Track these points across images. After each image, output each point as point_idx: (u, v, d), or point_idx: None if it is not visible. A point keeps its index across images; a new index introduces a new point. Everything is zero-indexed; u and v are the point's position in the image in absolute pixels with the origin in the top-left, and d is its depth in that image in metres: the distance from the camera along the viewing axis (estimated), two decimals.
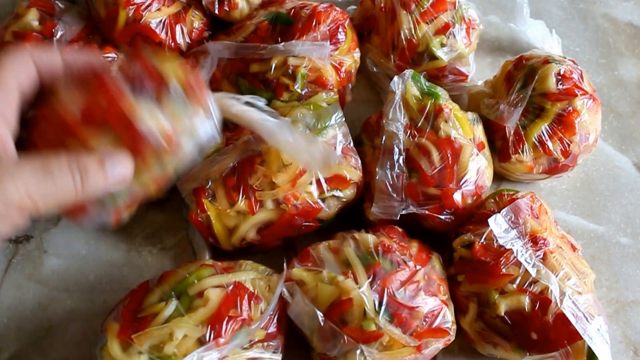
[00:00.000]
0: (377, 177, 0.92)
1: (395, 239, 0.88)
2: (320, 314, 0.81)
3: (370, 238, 0.86)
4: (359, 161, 0.94)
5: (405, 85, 0.95)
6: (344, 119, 0.94)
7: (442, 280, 0.87)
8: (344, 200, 0.93)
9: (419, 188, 0.91)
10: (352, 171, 0.92)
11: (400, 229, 0.91)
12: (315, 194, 0.90)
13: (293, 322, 0.84)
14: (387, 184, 0.91)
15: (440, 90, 0.97)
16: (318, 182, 0.90)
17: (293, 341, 0.88)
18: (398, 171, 0.92)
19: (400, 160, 0.92)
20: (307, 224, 0.92)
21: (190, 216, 0.92)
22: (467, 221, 0.93)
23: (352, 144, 0.94)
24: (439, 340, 0.83)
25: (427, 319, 0.82)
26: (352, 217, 0.97)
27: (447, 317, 0.84)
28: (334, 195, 0.92)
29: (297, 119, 0.93)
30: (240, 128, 0.96)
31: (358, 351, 0.80)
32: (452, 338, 0.85)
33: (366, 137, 1.00)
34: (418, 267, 0.85)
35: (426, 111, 0.93)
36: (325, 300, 0.81)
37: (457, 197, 0.91)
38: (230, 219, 0.91)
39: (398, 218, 0.92)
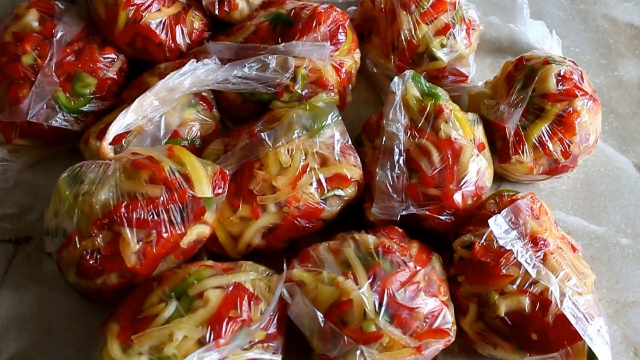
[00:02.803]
0: (377, 178, 0.92)
1: (395, 240, 0.88)
2: (320, 315, 0.81)
3: (371, 239, 0.86)
4: (358, 159, 0.93)
5: (406, 86, 0.95)
6: (340, 118, 0.94)
7: (443, 281, 0.87)
8: (346, 198, 0.93)
9: (419, 189, 0.91)
10: (352, 169, 0.92)
11: (400, 230, 0.91)
12: (316, 194, 0.90)
13: (293, 322, 0.84)
14: (388, 184, 0.91)
15: (440, 91, 0.96)
16: (319, 182, 0.90)
17: (293, 342, 0.88)
18: (398, 172, 0.91)
19: (401, 161, 0.92)
20: (311, 224, 0.92)
21: None
22: (467, 222, 0.93)
23: (349, 142, 0.94)
24: (439, 341, 0.83)
25: (427, 320, 0.82)
26: (353, 217, 0.97)
27: (447, 318, 0.84)
28: (335, 195, 0.92)
29: (293, 120, 0.93)
30: (238, 133, 0.96)
31: (358, 352, 0.80)
32: (452, 339, 0.85)
33: (366, 137, 1.00)
34: (418, 267, 0.85)
35: (426, 112, 0.93)
36: (326, 301, 0.81)
37: (457, 197, 0.91)
38: (234, 226, 0.91)
39: (398, 219, 0.92)
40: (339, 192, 0.92)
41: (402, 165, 0.92)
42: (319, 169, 0.91)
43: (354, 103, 1.11)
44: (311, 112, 0.94)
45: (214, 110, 1.03)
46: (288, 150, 0.90)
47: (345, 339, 0.80)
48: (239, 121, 1.04)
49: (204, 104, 1.01)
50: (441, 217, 0.92)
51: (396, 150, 0.92)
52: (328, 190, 0.91)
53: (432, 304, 0.83)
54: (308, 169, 0.90)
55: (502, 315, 0.84)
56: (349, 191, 0.92)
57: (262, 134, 0.92)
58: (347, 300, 0.80)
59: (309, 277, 0.84)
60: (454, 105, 0.96)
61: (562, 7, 1.29)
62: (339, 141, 0.93)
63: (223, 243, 0.92)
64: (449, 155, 0.91)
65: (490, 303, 0.85)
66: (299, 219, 0.90)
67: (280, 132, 0.92)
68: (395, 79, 0.96)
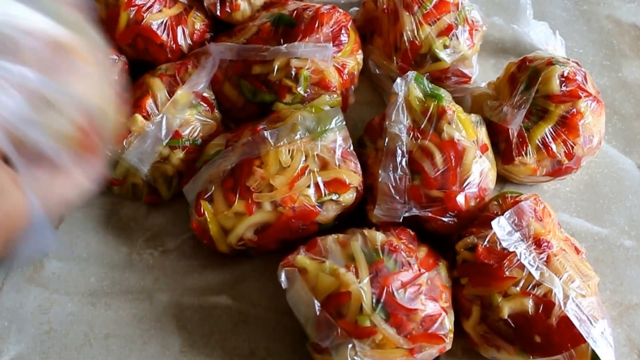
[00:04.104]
0: (379, 179, 0.91)
1: (404, 241, 0.88)
2: (317, 303, 0.81)
3: (379, 236, 0.86)
4: (359, 165, 0.93)
5: (408, 87, 0.95)
6: (344, 123, 0.94)
7: (446, 288, 0.87)
8: (343, 204, 0.93)
9: (422, 190, 0.91)
10: (352, 175, 0.92)
11: (412, 232, 0.91)
12: (313, 197, 0.90)
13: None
14: (390, 186, 0.91)
15: (443, 92, 0.96)
16: (316, 185, 0.90)
17: (288, 329, 0.91)
18: (401, 173, 0.91)
19: (403, 163, 0.91)
20: (305, 227, 0.92)
21: (191, 223, 0.93)
22: (470, 224, 0.93)
23: (352, 148, 0.94)
24: (434, 347, 0.83)
25: (423, 324, 0.82)
26: (355, 219, 0.97)
27: (444, 324, 0.83)
28: (332, 199, 0.92)
29: (297, 121, 0.92)
30: (241, 130, 0.96)
31: (350, 345, 0.80)
32: (448, 346, 0.85)
33: (369, 139, 1.00)
34: (422, 270, 0.84)
35: (429, 113, 0.93)
36: (324, 290, 0.82)
37: (460, 199, 0.91)
38: (227, 220, 0.91)
39: (401, 220, 0.91)
40: (336, 197, 0.92)
41: (405, 166, 0.92)
42: (318, 172, 0.91)
43: (357, 104, 1.10)
44: (316, 115, 0.94)
45: (216, 111, 1.03)
46: (289, 150, 0.90)
47: (339, 330, 0.80)
48: (241, 122, 1.04)
49: (205, 105, 1.01)
50: (444, 219, 0.92)
51: (399, 151, 0.92)
52: (325, 194, 0.91)
53: (431, 309, 0.83)
54: (307, 171, 0.90)
55: (506, 317, 0.84)
56: (347, 197, 0.92)
57: (265, 132, 0.92)
58: (345, 292, 0.81)
59: (311, 264, 0.85)
60: (457, 107, 0.95)
61: (566, 8, 1.28)
62: (341, 146, 0.93)
63: (213, 235, 0.92)
64: (452, 157, 0.90)
65: (493, 305, 0.85)
66: (293, 220, 0.90)
67: (283, 132, 0.92)
68: (398, 80, 0.96)
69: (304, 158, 0.91)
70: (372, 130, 1.00)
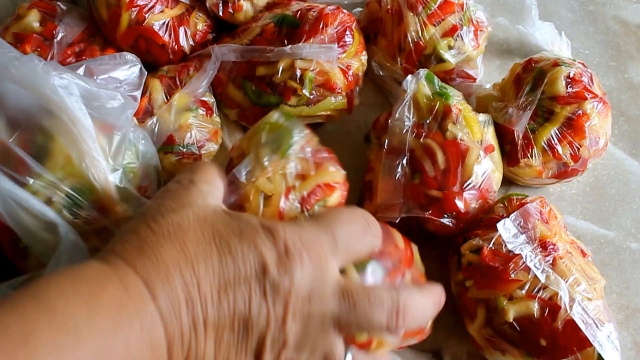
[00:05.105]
0: (380, 177, 0.91)
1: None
2: None
3: None
4: (335, 160, 0.85)
5: (418, 85, 0.94)
6: (306, 131, 0.85)
7: (422, 276, 0.83)
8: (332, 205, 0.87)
9: (421, 190, 0.90)
10: (332, 174, 0.84)
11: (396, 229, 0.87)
12: (306, 212, 0.82)
13: None
14: (390, 184, 0.90)
15: (451, 91, 0.96)
16: (303, 199, 0.82)
17: None
18: (401, 172, 0.91)
19: (404, 161, 0.91)
20: None
21: None
22: (474, 226, 0.92)
23: (319, 146, 0.85)
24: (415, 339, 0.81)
25: None
26: None
27: None
28: (323, 207, 0.85)
29: (259, 147, 0.84)
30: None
31: None
32: (427, 334, 0.82)
33: (375, 135, 0.99)
34: (406, 271, 0.81)
35: (435, 111, 0.92)
36: None
37: (459, 200, 0.90)
38: None
39: (397, 221, 0.90)
40: (322, 203, 0.83)
41: (405, 165, 0.91)
42: (299, 187, 0.82)
43: (361, 106, 1.10)
44: (274, 133, 0.86)
45: (215, 115, 1.02)
46: (267, 178, 0.82)
47: None
48: (246, 123, 1.03)
49: (204, 109, 1.00)
50: (442, 220, 0.90)
51: (401, 149, 0.91)
52: (316, 202, 0.84)
53: None
54: (290, 193, 0.82)
55: (511, 320, 0.83)
56: (332, 199, 0.83)
57: (235, 173, 0.83)
58: None
59: None
60: (465, 106, 0.95)
61: (572, 8, 1.28)
62: (309, 150, 0.85)
63: None
64: (454, 157, 0.90)
65: (498, 308, 0.84)
66: None
67: (250, 164, 0.83)
68: (408, 77, 0.95)
69: (283, 180, 0.85)
70: (379, 127, 1.00)
